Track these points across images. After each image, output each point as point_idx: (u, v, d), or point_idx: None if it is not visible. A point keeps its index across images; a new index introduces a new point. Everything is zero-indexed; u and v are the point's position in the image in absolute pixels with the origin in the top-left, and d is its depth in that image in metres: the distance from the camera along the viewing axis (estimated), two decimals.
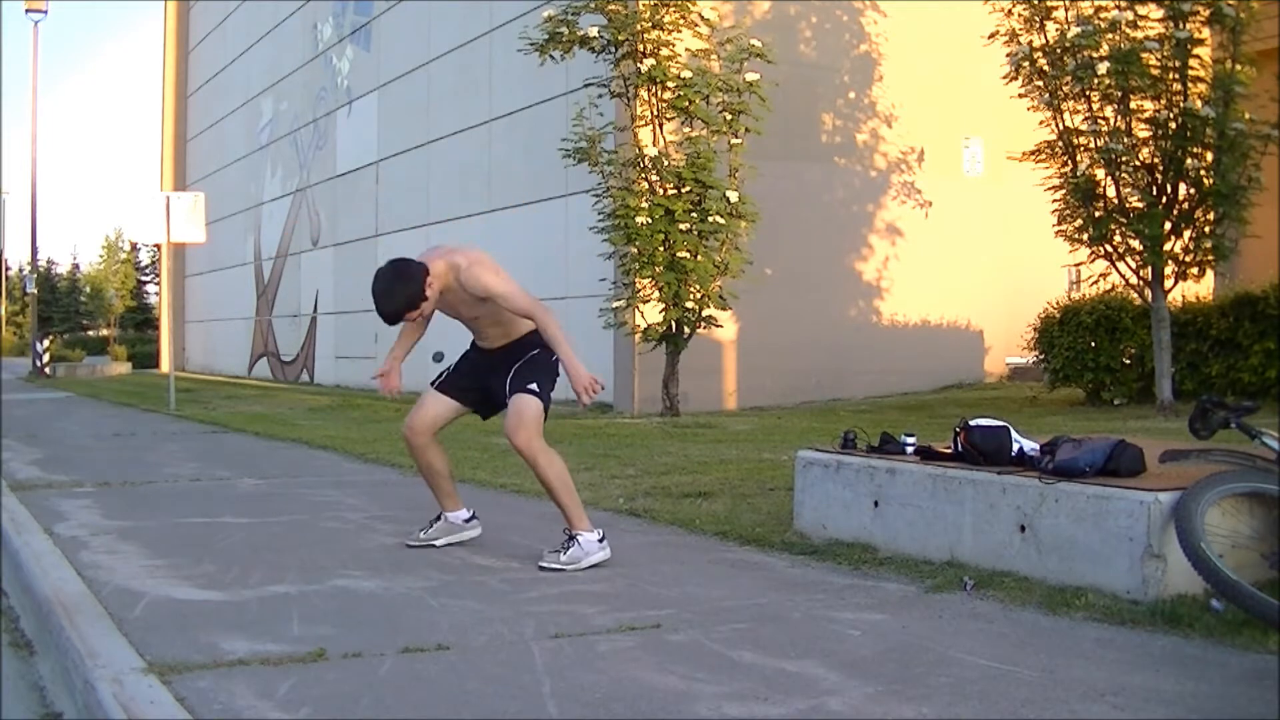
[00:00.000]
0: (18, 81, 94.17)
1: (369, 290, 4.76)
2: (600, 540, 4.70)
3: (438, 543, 5.10)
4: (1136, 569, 3.80)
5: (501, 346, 4.91)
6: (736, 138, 12.76)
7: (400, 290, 4.64)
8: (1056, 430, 6.41)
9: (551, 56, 13.13)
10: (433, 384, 5.05)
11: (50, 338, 37.53)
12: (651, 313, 12.72)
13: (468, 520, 5.16)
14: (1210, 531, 3.66)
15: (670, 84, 12.63)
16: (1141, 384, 12.15)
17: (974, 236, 16.57)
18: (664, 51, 12.66)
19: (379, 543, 5.25)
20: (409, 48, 21.27)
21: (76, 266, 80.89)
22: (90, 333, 69.42)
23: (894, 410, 13.27)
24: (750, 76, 12.73)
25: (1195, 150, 10.79)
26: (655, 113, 12.87)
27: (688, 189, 12.52)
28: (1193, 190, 10.91)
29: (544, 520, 5.30)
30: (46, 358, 31.38)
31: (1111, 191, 11.18)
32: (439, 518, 5.18)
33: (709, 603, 4.02)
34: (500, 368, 4.84)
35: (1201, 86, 10.66)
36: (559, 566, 4.60)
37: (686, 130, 12.81)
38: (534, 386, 4.71)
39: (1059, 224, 11.57)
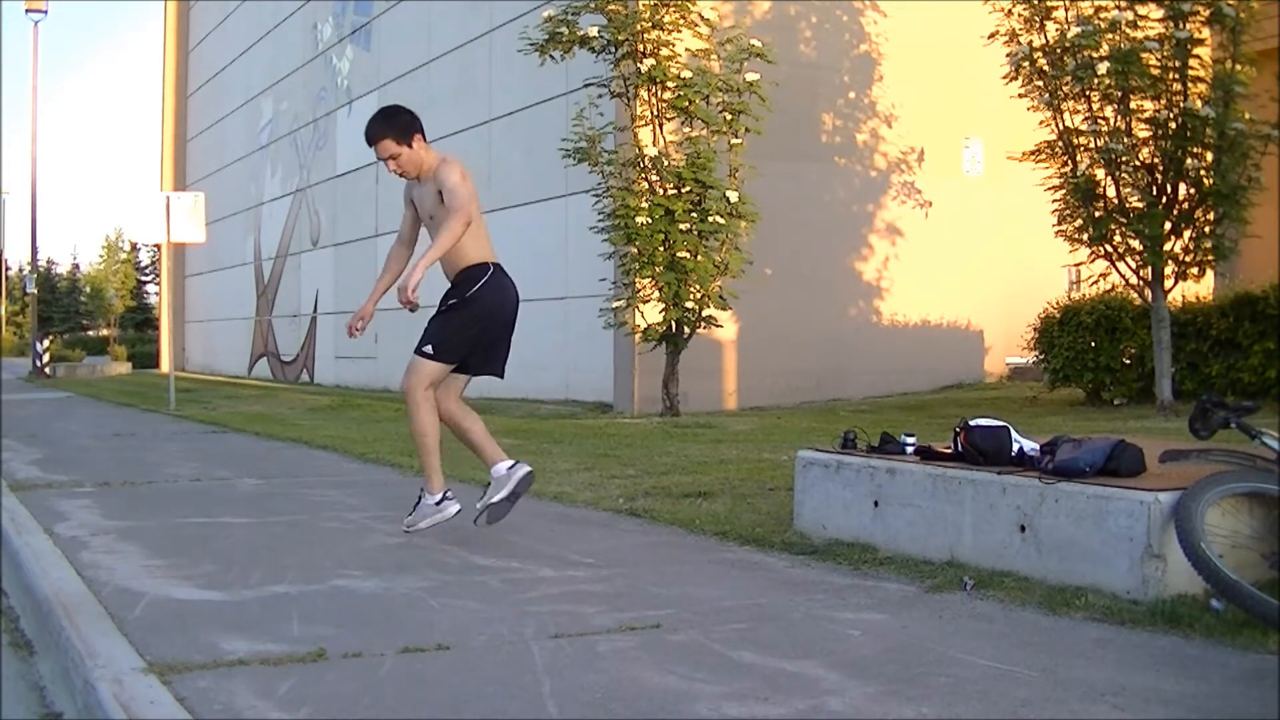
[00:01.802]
0: (18, 81, 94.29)
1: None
2: (438, 503, 5.09)
3: (495, 498, 5.07)
4: (1136, 569, 3.80)
5: (450, 285, 5.10)
6: (736, 138, 12.76)
7: (390, 121, 5.07)
8: (1056, 430, 6.41)
9: (551, 56, 13.13)
10: None
11: (50, 338, 37.52)
12: (651, 313, 12.72)
13: (510, 469, 5.13)
14: (1210, 531, 3.66)
15: (670, 84, 12.63)
16: (1141, 384, 12.15)
17: (974, 237, 16.56)
18: (664, 51, 12.66)
19: (379, 543, 5.25)
20: (409, 48, 21.27)
21: (76, 266, 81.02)
22: (90, 333, 69.42)
23: (894, 410, 13.26)
24: (750, 76, 12.73)
25: (1195, 150, 10.78)
26: (655, 113, 12.87)
27: (688, 189, 12.52)
28: (1193, 190, 10.91)
29: (544, 520, 5.30)
30: (46, 358, 31.38)
31: (1111, 191, 11.17)
32: (489, 485, 5.18)
33: (709, 603, 4.02)
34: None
35: (1201, 86, 10.65)
36: (405, 527, 5.13)
37: (686, 130, 12.81)
38: (427, 349, 4.99)
39: (1059, 224, 11.57)
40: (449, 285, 5.09)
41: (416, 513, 5.14)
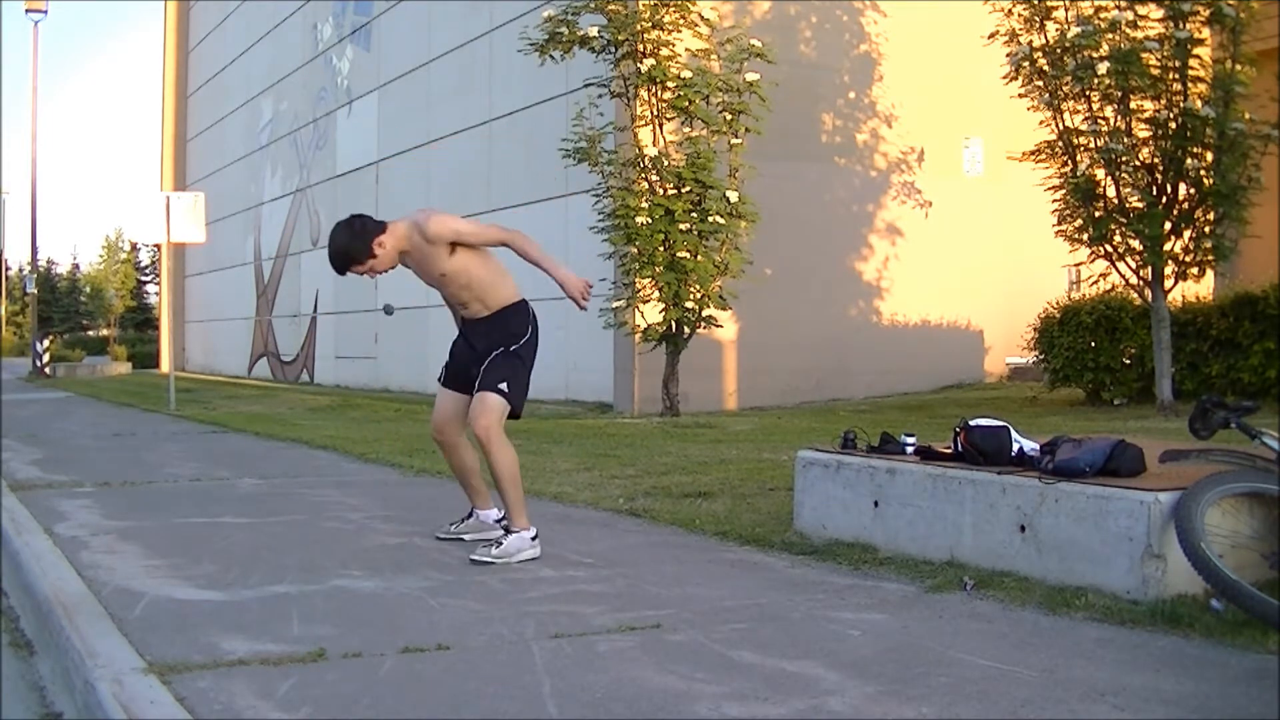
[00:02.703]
0: (18, 81, 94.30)
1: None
2: (533, 539, 4.86)
3: (466, 537, 5.18)
4: (1136, 569, 3.80)
5: (484, 319, 5.01)
6: (736, 138, 12.77)
7: (347, 245, 4.86)
8: (1056, 430, 6.41)
9: (551, 56, 13.13)
10: (439, 380, 5.22)
11: (50, 338, 37.53)
12: (651, 313, 12.72)
13: (497, 521, 5.18)
14: (1210, 531, 3.66)
15: (670, 84, 12.63)
16: (1141, 384, 12.15)
17: (974, 237, 16.56)
18: (664, 51, 12.67)
19: (379, 543, 5.25)
20: (409, 48, 21.27)
21: (76, 266, 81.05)
22: (90, 333, 69.43)
23: (894, 410, 13.26)
24: (750, 76, 12.74)
25: (1195, 150, 10.79)
26: (655, 113, 12.87)
27: (688, 189, 12.52)
28: (1193, 190, 10.91)
29: (544, 520, 5.30)
30: (46, 358, 31.38)
31: (1111, 191, 11.17)
32: (470, 514, 5.29)
33: (709, 603, 4.02)
34: (482, 354, 4.96)
35: (1201, 86, 10.65)
36: (490, 559, 4.73)
37: (686, 130, 12.81)
38: (504, 387, 4.86)
39: (1059, 224, 11.57)
40: (489, 319, 4.98)
41: (507, 545, 4.78)
